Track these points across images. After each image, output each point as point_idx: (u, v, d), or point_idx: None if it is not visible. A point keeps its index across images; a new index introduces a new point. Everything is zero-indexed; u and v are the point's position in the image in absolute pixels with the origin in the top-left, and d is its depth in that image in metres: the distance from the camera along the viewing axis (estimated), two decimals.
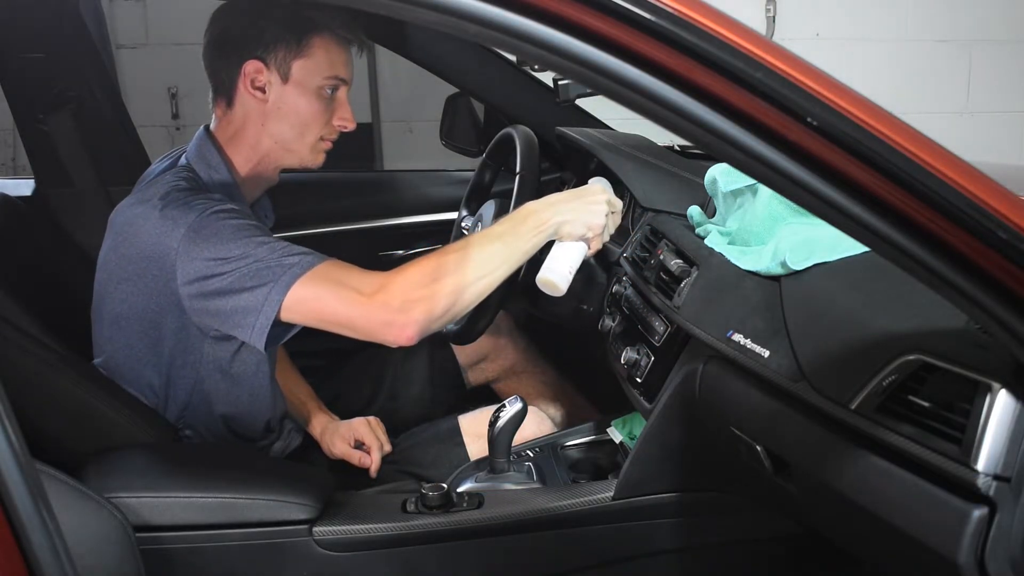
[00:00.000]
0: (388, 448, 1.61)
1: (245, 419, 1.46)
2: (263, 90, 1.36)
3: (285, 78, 1.36)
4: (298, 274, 1.20)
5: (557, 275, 1.35)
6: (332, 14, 1.36)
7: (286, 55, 1.35)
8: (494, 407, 1.48)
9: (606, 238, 1.40)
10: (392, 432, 1.71)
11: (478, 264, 1.25)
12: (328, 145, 1.43)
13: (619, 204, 1.41)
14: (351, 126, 1.42)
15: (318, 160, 1.44)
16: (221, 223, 1.24)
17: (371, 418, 1.64)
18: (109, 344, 1.39)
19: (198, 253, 1.23)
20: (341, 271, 1.24)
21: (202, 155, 1.39)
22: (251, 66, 1.35)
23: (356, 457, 1.58)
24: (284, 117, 1.38)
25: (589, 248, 1.38)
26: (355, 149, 3.80)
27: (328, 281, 1.22)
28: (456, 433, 1.64)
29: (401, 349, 1.90)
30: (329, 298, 1.22)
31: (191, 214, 1.24)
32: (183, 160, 1.40)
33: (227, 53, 1.37)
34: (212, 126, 1.42)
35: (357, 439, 1.61)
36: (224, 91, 1.39)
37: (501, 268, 1.28)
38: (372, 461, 1.58)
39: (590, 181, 1.55)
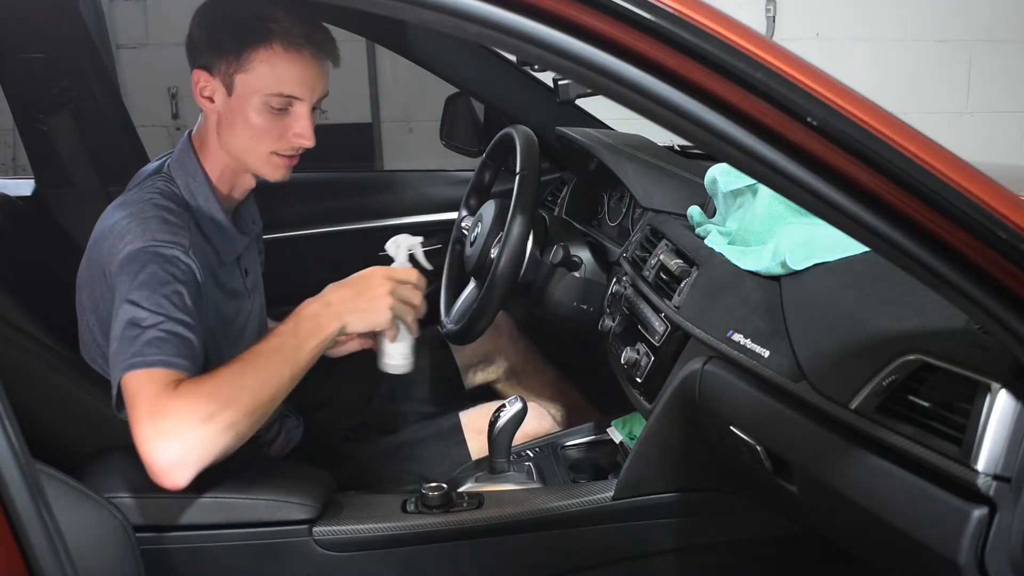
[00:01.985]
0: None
1: None
2: (211, 99, 1.33)
3: (229, 91, 1.31)
4: (126, 367, 1.14)
5: (392, 367, 1.38)
6: (290, 23, 1.28)
7: (228, 68, 1.30)
8: (495, 403, 1.48)
9: (418, 314, 1.35)
10: (391, 432, 1.71)
11: (258, 386, 1.17)
12: (285, 161, 1.36)
13: (410, 275, 1.34)
14: (308, 143, 1.34)
15: (276, 174, 1.37)
16: (159, 268, 1.21)
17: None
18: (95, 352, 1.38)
19: (126, 280, 1.20)
20: (145, 391, 1.13)
21: (181, 161, 1.38)
22: (198, 75, 1.32)
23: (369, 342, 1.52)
24: (232, 128, 1.33)
25: (410, 329, 1.36)
26: (355, 149, 3.80)
27: (134, 392, 1.14)
28: (457, 430, 1.64)
29: None
30: (130, 403, 1.13)
31: (146, 240, 1.22)
32: (161, 167, 1.39)
33: (190, 54, 1.34)
34: (193, 132, 1.41)
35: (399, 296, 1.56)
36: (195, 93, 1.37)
37: (284, 383, 1.20)
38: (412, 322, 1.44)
39: (387, 245, 1.44)
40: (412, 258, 1.44)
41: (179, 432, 1.10)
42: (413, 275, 1.35)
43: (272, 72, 1.29)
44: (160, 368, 1.14)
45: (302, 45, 1.29)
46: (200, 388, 1.14)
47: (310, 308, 1.26)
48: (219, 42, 1.30)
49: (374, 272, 1.33)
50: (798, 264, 1.17)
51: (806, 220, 1.26)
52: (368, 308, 1.29)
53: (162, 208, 1.29)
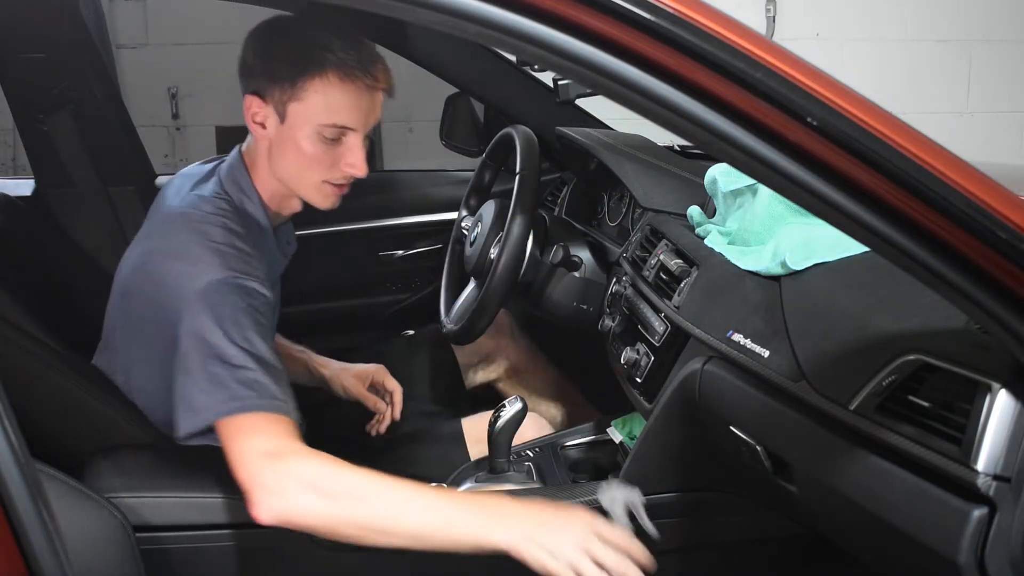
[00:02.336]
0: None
1: None
2: (263, 125, 1.31)
3: (281, 118, 1.29)
4: (248, 408, 1.13)
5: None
6: (346, 52, 1.26)
7: (281, 95, 1.28)
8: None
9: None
10: (391, 431, 1.71)
11: (390, 509, 1.10)
12: (336, 190, 1.35)
13: (622, 540, 1.11)
14: (360, 174, 1.32)
15: (326, 203, 1.36)
16: (243, 302, 1.18)
17: (382, 366, 1.60)
18: (121, 361, 1.38)
19: (208, 316, 1.17)
20: (275, 427, 1.13)
21: (235, 179, 1.35)
22: (250, 101, 1.30)
23: (371, 401, 1.55)
24: (283, 156, 1.32)
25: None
26: None
27: (261, 427, 1.13)
28: (459, 436, 1.64)
29: (403, 348, 1.92)
30: (243, 438, 1.13)
31: (225, 271, 1.19)
32: (218, 179, 1.35)
33: (242, 79, 1.32)
34: (244, 148, 1.39)
35: (375, 383, 1.57)
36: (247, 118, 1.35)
37: (414, 528, 1.10)
38: (395, 404, 1.53)
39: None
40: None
41: (287, 489, 1.08)
42: (626, 542, 1.10)
43: (326, 102, 1.27)
44: (274, 413, 1.14)
45: (358, 76, 1.27)
46: (340, 468, 1.10)
47: (502, 501, 1.14)
48: (273, 70, 1.27)
49: (582, 515, 1.12)
50: (798, 264, 1.17)
51: (806, 220, 1.26)
52: (549, 545, 1.06)
53: (233, 234, 1.26)
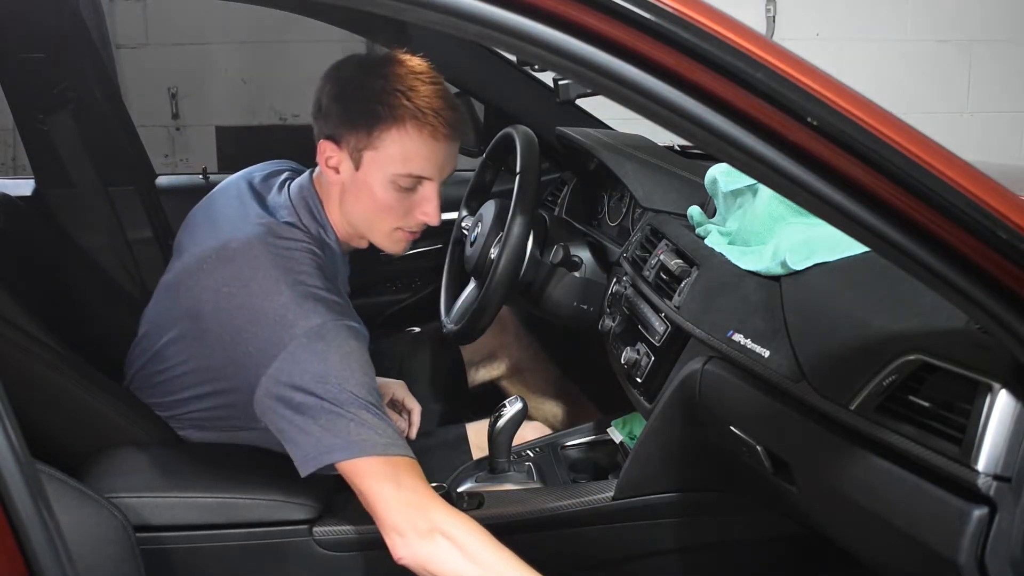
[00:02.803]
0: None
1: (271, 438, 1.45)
2: (337, 170, 1.30)
3: (356, 165, 1.28)
4: (368, 452, 1.15)
5: None
6: (423, 100, 1.25)
7: (357, 143, 1.27)
8: None
9: None
10: None
11: None
12: (407, 236, 1.35)
13: None
14: (434, 222, 1.32)
15: (396, 248, 1.36)
16: (338, 344, 1.18)
17: (402, 382, 1.61)
18: (154, 374, 1.37)
19: (306, 363, 1.16)
20: (414, 475, 1.17)
21: (308, 207, 1.34)
22: (326, 146, 1.29)
23: (391, 419, 1.56)
24: (357, 202, 1.31)
25: None
26: None
27: (386, 477, 1.15)
28: (463, 441, 1.64)
29: (406, 346, 1.92)
30: (374, 492, 1.15)
31: (316, 318, 1.19)
32: (287, 202, 1.34)
33: (316, 120, 1.31)
34: (315, 175, 1.37)
35: (394, 399, 1.58)
36: (317, 157, 1.34)
37: None
38: (413, 425, 1.55)
39: None
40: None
41: (434, 538, 1.13)
42: None
43: (402, 152, 1.26)
44: (399, 456, 1.16)
45: (435, 126, 1.26)
46: (484, 538, 1.14)
47: None
48: (350, 117, 1.26)
49: None
50: (798, 264, 1.17)
51: (806, 220, 1.26)
52: None
53: (321, 277, 1.25)
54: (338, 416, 1.15)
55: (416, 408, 1.58)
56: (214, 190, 1.47)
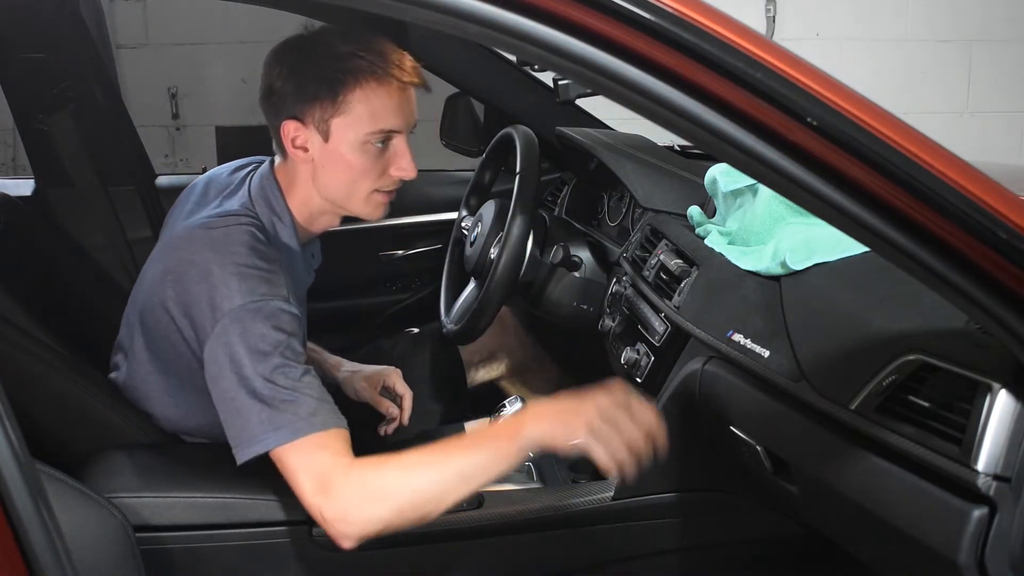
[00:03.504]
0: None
1: None
2: (306, 149, 1.29)
3: (326, 137, 1.27)
4: (283, 440, 1.15)
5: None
6: (375, 58, 1.26)
7: (323, 113, 1.26)
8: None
9: (633, 452, 1.12)
10: (395, 432, 1.71)
11: (433, 479, 1.15)
12: (385, 197, 1.34)
13: (632, 405, 1.14)
14: (411, 175, 1.32)
15: (376, 213, 1.35)
16: (267, 327, 1.18)
17: (396, 369, 1.61)
18: (136, 368, 1.38)
19: (231, 343, 1.17)
20: (315, 454, 1.16)
21: (266, 198, 1.34)
22: (290, 126, 1.28)
23: (384, 406, 1.55)
24: (331, 175, 1.30)
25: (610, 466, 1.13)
26: None
27: (300, 460, 1.16)
28: None
29: (405, 346, 1.92)
30: (292, 476, 1.16)
31: (244, 296, 1.19)
32: (246, 195, 1.33)
33: (272, 106, 1.30)
34: (275, 164, 1.37)
35: (387, 386, 1.58)
36: (277, 143, 1.33)
37: (461, 488, 1.16)
38: (404, 410, 1.55)
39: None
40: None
41: (348, 512, 1.14)
42: (647, 412, 1.14)
43: (370, 111, 1.26)
44: (309, 435, 1.16)
45: (396, 76, 1.27)
46: (379, 470, 1.16)
47: (522, 418, 1.19)
48: (310, 90, 1.26)
49: (599, 394, 1.16)
50: (798, 264, 1.17)
51: (806, 220, 1.26)
52: (564, 421, 1.14)
53: (256, 253, 1.25)
54: (264, 403, 1.16)
55: (407, 393, 1.58)
56: (182, 192, 1.48)
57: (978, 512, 0.81)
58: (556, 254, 1.65)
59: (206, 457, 1.37)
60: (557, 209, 2.07)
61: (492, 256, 1.62)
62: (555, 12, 0.69)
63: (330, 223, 1.40)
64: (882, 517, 0.92)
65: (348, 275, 2.28)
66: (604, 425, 1.12)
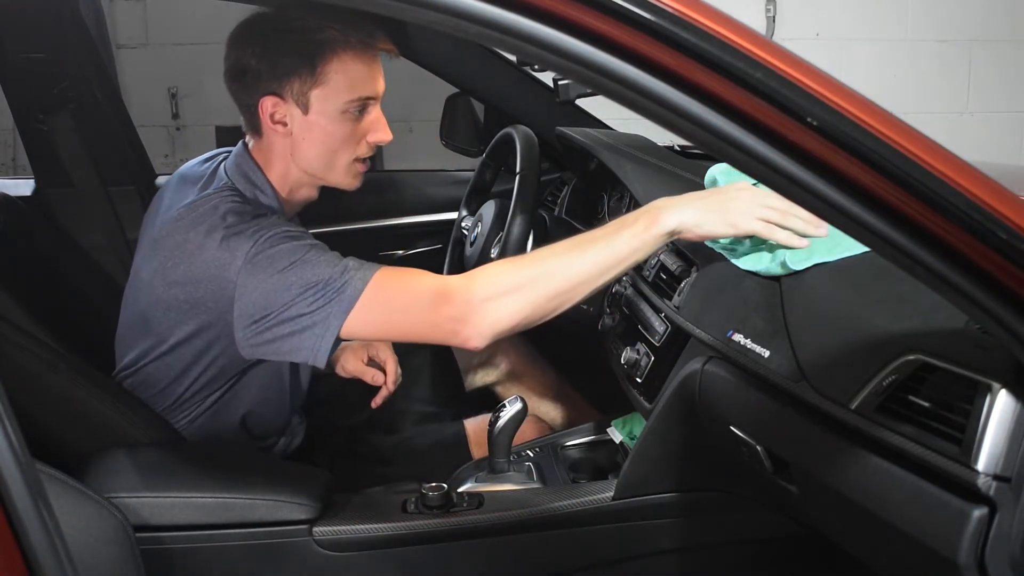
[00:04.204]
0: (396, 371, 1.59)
1: (267, 415, 1.46)
2: (284, 123, 1.31)
3: (305, 109, 1.30)
4: (356, 295, 1.17)
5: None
6: (346, 28, 1.29)
7: (302, 86, 1.29)
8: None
9: (790, 223, 1.15)
10: (391, 431, 1.71)
11: (566, 271, 1.16)
12: (363, 167, 1.38)
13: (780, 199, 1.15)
14: (386, 140, 1.35)
15: (355, 183, 1.38)
16: (275, 249, 1.20)
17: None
18: (138, 358, 1.38)
19: (256, 285, 1.19)
20: (398, 281, 1.20)
21: (244, 174, 1.35)
22: (268, 102, 1.30)
23: (369, 374, 1.56)
24: (311, 147, 1.33)
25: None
26: None
27: (387, 295, 1.18)
28: (462, 438, 1.64)
29: (401, 347, 1.92)
30: (390, 313, 1.19)
31: (246, 243, 1.21)
32: (223, 176, 1.35)
33: (246, 85, 1.32)
34: (249, 145, 1.38)
35: (371, 355, 1.59)
36: (251, 122, 1.35)
37: (596, 277, 1.17)
38: (388, 374, 1.56)
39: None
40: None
41: (474, 298, 1.16)
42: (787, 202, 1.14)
43: (347, 79, 1.29)
44: (381, 272, 1.20)
45: (365, 44, 1.30)
46: (501, 269, 1.20)
47: (659, 200, 1.19)
48: (287, 64, 1.28)
49: (739, 186, 1.21)
50: (798, 264, 1.17)
51: None
52: (731, 210, 1.17)
53: (242, 215, 1.27)
54: (313, 295, 1.18)
55: (391, 359, 1.58)
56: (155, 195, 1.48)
57: (978, 512, 0.81)
58: None
59: (206, 457, 1.37)
60: (557, 209, 2.07)
61: (492, 256, 1.62)
62: (555, 12, 0.69)
63: (308, 196, 1.42)
64: (882, 517, 0.92)
65: None
66: (756, 205, 1.16)
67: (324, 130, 1.31)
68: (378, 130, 1.34)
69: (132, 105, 2.22)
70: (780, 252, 1.20)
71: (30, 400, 1.23)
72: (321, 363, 1.20)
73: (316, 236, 2.15)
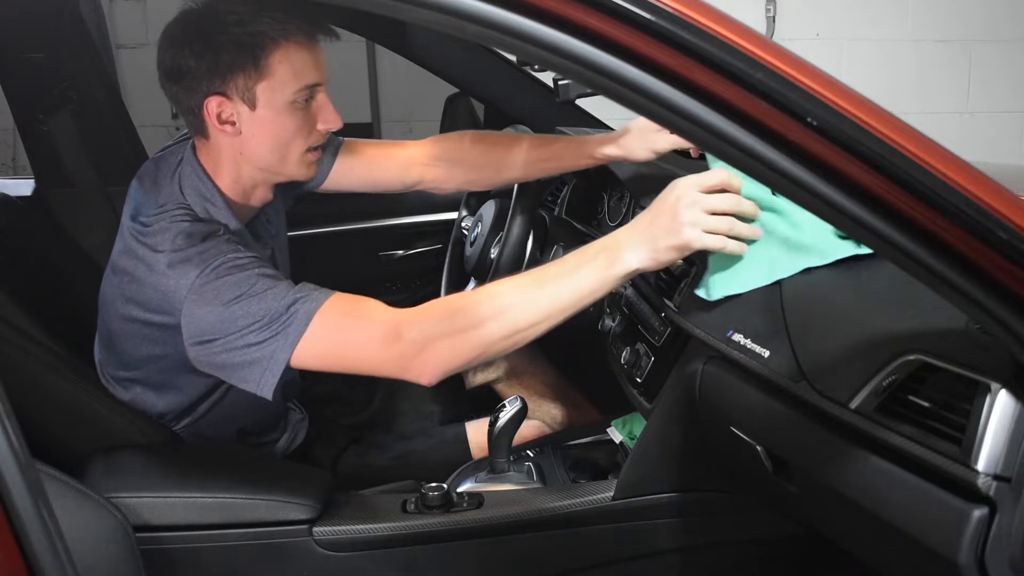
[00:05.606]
0: None
1: (261, 415, 1.46)
2: (232, 123, 1.28)
3: (252, 105, 1.26)
4: (301, 329, 1.15)
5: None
6: (282, 16, 1.25)
7: (247, 82, 1.25)
8: None
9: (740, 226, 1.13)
10: (391, 431, 1.71)
11: (524, 309, 1.14)
12: (315, 155, 1.35)
13: (713, 177, 1.14)
14: (337, 125, 1.32)
15: (309, 173, 1.36)
16: (222, 281, 1.18)
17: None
18: (122, 366, 1.38)
19: (203, 316, 1.18)
20: (347, 314, 1.17)
21: (195, 187, 1.32)
22: (213, 102, 1.26)
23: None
24: (262, 143, 1.30)
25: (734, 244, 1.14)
26: None
27: (335, 329, 1.16)
28: (463, 440, 1.64)
29: None
30: (339, 346, 1.16)
31: (193, 271, 1.19)
32: (176, 191, 1.32)
33: (186, 87, 1.27)
34: (197, 149, 1.36)
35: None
36: (196, 125, 1.31)
37: (555, 315, 1.15)
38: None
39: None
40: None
41: (424, 337, 1.14)
42: (716, 176, 1.14)
43: (292, 69, 1.26)
44: (331, 301, 1.16)
45: (304, 31, 1.27)
46: (447, 309, 1.17)
47: (607, 242, 1.16)
48: (229, 60, 1.24)
49: (679, 188, 1.14)
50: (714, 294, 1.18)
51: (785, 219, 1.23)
52: (672, 237, 1.12)
53: (191, 236, 1.24)
54: (259, 327, 1.16)
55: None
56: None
57: (978, 512, 0.81)
58: (556, 254, 1.65)
59: (206, 457, 1.37)
60: (557, 209, 2.07)
61: (492, 256, 1.62)
62: (555, 12, 0.69)
63: (264, 197, 1.40)
64: (882, 517, 0.92)
65: (348, 275, 2.28)
66: (701, 215, 1.12)
67: (274, 123, 1.28)
68: (327, 118, 1.32)
69: (132, 105, 2.22)
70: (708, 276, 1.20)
71: (30, 400, 1.24)
72: (268, 395, 1.18)
73: (316, 236, 2.15)
